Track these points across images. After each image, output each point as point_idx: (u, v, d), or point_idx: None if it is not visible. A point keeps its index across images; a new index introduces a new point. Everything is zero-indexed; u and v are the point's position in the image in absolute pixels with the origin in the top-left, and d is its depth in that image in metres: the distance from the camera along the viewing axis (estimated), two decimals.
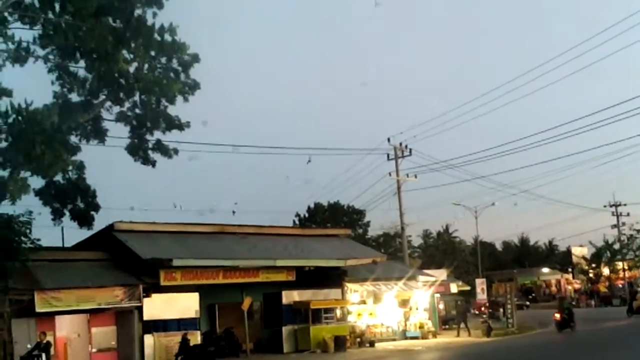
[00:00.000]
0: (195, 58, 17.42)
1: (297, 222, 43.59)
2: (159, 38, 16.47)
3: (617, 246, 53.04)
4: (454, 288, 34.21)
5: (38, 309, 14.86)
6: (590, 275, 56.33)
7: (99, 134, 16.60)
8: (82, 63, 15.51)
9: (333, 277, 23.35)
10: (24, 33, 14.42)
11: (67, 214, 16.37)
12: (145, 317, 17.35)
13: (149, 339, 17.47)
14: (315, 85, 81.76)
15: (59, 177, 15.71)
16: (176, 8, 17.41)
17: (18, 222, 14.25)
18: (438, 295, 30.75)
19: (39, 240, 14.69)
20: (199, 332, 18.81)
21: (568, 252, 60.80)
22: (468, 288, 37.56)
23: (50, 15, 14.40)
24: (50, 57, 15.15)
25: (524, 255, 64.66)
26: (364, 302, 25.53)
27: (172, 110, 17.46)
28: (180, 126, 17.75)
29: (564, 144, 27.46)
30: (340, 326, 22.82)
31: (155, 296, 17.55)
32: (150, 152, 17.31)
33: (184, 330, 17.85)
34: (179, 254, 18.27)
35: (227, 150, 24.92)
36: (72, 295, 15.40)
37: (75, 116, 15.19)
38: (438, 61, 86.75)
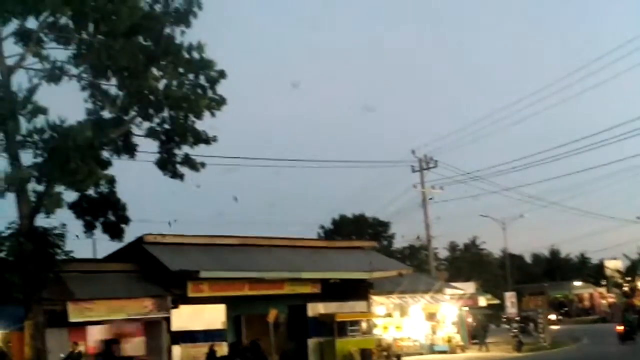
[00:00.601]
0: (222, 74, 17.74)
1: (321, 234, 43.75)
2: (187, 55, 16.90)
3: None
4: (482, 301, 33.74)
5: (71, 319, 15.30)
6: (625, 288, 54.67)
7: (130, 149, 17.04)
8: (113, 81, 16.02)
9: (359, 290, 23.33)
10: (58, 53, 15.06)
11: (99, 226, 16.85)
12: (173, 328, 17.66)
13: (176, 350, 17.77)
14: (337, 96, 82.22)
15: (91, 191, 16.20)
16: (204, 25, 17.90)
17: (52, 235, 14.75)
18: (466, 308, 30.39)
19: (71, 252, 15.17)
20: (225, 344, 19.03)
21: (601, 265, 59.14)
22: (497, 302, 36.94)
23: (84, 35, 14.97)
24: (84, 75, 15.69)
25: (554, 268, 63.16)
26: (390, 315, 25.42)
27: (199, 125, 17.82)
28: (207, 140, 18.06)
29: (595, 154, 26.97)
30: (367, 339, 22.77)
31: (183, 307, 17.87)
32: (178, 166, 17.67)
33: (211, 342, 18.11)
34: (206, 265, 18.59)
35: (250, 164, 25.21)
36: (103, 306, 15.82)
37: (107, 132, 15.64)
38: (463, 71, 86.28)
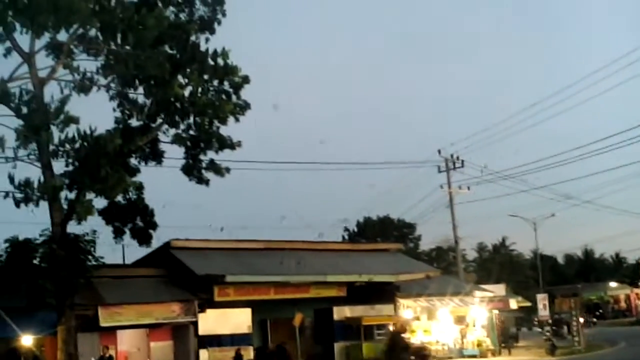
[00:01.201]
0: (246, 79, 17.95)
1: (346, 237, 43.71)
2: (212, 62, 17.16)
3: None
4: (513, 304, 33.02)
5: (101, 324, 15.75)
6: None
7: (157, 156, 17.45)
8: (140, 90, 16.43)
9: (385, 293, 23.24)
10: (88, 64, 15.52)
11: (128, 232, 17.28)
12: (200, 332, 17.98)
13: (203, 354, 18.10)
14: (361, 96, 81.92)
15: (120, 198, 16.64)
16: (226, 30, 18.15)
17: (84, 241, 15.21)
18: (497, 311, 29.93)
19: (102, 257, 15.63)
20: (251, 348, 19.26)
21: (637, 265, 57.47)
22: (529, 304, 36.26)
23: (113, 46, 15.36)
24: (112, 85, 16.14)
25: (588, 269, 61.60)
26: (417, 318, 25.17)
27: (223, 130, 18.09)
28: (232, 146, 18.31)
29: (630, 150, 26.13)
30: None
31: (209, 311, 18.18)
32: (204, 171, 17.98)
33: (237, 346, 18.35)
34: (232, 270, 18.86)
35: (274, 168, 25.45)
36: (132, 310, 16.23)
37: (135, 140, 16.03)
38: (489, 67, 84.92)
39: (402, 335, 17.19)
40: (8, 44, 14.20)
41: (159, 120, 16.91)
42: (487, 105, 71.62)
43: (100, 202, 15.92)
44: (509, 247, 51.39)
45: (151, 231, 17.27)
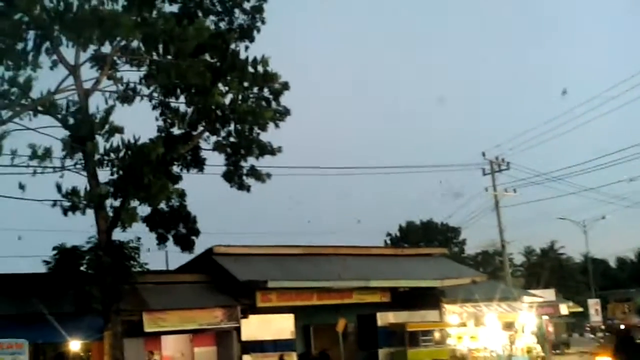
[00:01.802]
0: (285, 86, 17.55)
1: (388, 241, 42.64)
2: (252, 70, 16.83)
3: None
4: (563, 309, 31.43)
5: (146, 329, 15.57)
6: None
7: (198, 163, 17.24)
8: (182, 98, 16.26)
9: (429, 298, 22.30)
10: (131, 74, 15.46)
11: (171, 238, 17.12)
12: (243, 337, 17.58)
13: None
14: (404, 99, 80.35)
15: (163, 205, 16.49)
16: (266, 38, 17.77)
17: (128, 248, 15.08)
18: (547, 317, 28.36)
19: (146, 264, 15.48)
20: (295, 354, 18.72)
21: None
22: (580, 309, 34.29)
23: (155, 57, 15.24)
24: (154, 95, 16.05)
25: None
26: (464, 324, 24.10)
27: (264, 136, 17.71)
28: (273, 152, 17.91)
29: None
30: (440, 350, 21.67)
31: (252, 317, 17.76)
32: (244, 178, 17.65)
33: (280, 352, 17.84)
34: (274, 275, 18.40)
35: (315, 173, 24.85)
36: (176, 316, 15.98)
37: (177, 148, 15.86)
38: (536, 67, 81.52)
39: None
40: (55, 57, 14.24)
41: (200, 128, 16.69)
42: (534, 105, 68.68)
43: (144, 210, 15.79)
44: (558, 251, 48.82)
45: (193, 237, 17.03)
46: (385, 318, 21.37)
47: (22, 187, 13.58)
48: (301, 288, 18.81)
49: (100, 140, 14.37)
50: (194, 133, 16.64)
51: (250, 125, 17.41)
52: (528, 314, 25.27)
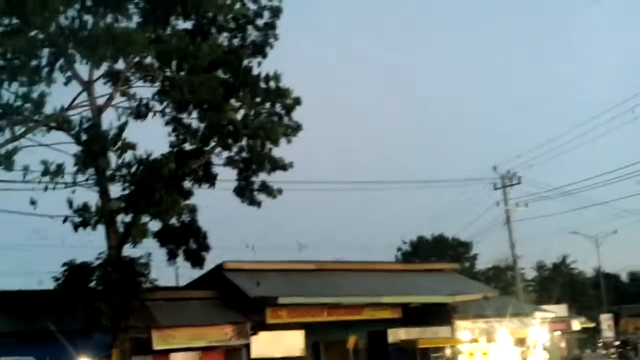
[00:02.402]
0: (298, 101, 17.19)
1: (400, 257, 41.81)
2: (264, 85, 16.49)
3: None
4: (576, 325, 30.40)
5: (155, 347, 15.08)
6: None
7: (210, 178, 16.85)
8: (194, 114, 15.93)
9: (441, 314, 21.58)
10: (144, 91, 15.15)
11: (181, 254, 16.70)
12: (253, 354, 17.00)
13: None
14: (413, 116, 79.59)
15: (173, 220, 16.09)
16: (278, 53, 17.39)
17: (139, 264, 14.65)
18: (558, 332, 27.46)
19: (156, 280, 15.02)
20: None
21: None
22: (592, 325, 33.14)
23: (168, 73, 14.95)
24: (167, 110, 15.74)
25: None
26: (475, 340, 23.34)
27: (276, 151, 17.30)
28: (284, 167, 17.50)
29: None
30: None
31: (262, 334, 17.19)
32: (256, 193, 17.23)
33: None
34: (285, 291, 17.84)
35: (326, 188, 24.27)
36: (185, 333, 15.48)
37: (188, 163, 15.49)
38: (545, 81, 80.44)
39: None
40: (68, 73, 13.97)
41: (212, 144, 16.36)
42: (544, 120, 67.48)
43: (154, 225, 15.38)
44: (570, 266, 47.57)
45: (204, 253, 16.58)
46: (396, 334, 20.68)
47: (33, 202, 13.25)
48: (312, 304, 18.22)
49: (112, 156, 14.07)
50: (206, 149, 16.30)
51: (262, 141, 17.03)
52: (540, 330, 24.52)
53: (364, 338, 20.56)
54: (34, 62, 13.08)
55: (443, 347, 21.34)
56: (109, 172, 14.10)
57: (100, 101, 14.55)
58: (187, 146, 16.24)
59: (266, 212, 17.84)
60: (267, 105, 16.97)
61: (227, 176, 17.03)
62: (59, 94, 13.78)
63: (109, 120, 14.39)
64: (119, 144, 14.06)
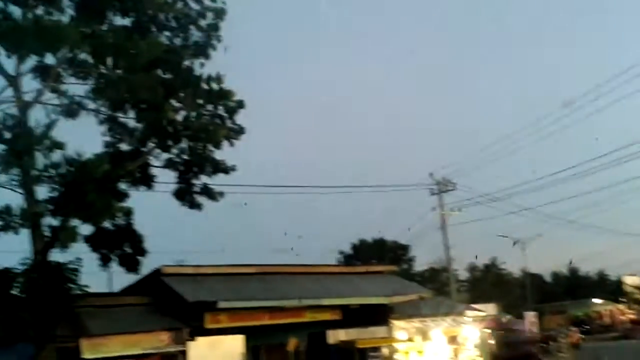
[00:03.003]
0: (241, 104, 16.73)
1: (341, 259, 41.96)
2: (206, 87, 15.90)
3: None
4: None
5: (84, 356, 14.02)
6: None
7: (147, 181, 16.03)
8: (131, 114, 15.08)
9: (379, 315, 21.67)
10: (77, 88, 14.14)
11: (115, 259, 15.73)
12: None
13: None
14: (352, 122, 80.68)
15: (107, 224, 15.13)
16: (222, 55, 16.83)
17: (67, 269, 13.62)
18: (488, 330, 28.44)
19: (86, 286, 14.01)
20: None
21: (620, 282, 55.82)
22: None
23: (103, 70, 14.05)
24: (102, 109, 14.79)
25: (574, 287, 59.72)
26: (411, 339, 23.68)
27: (218, 154, 16.73)
28: (226, 170, 16.98)
29: (612, 172, 24.92)
30: None
31: (200, 339, 16.44)
32: (196, 196, 16.57)
33: None
34: (224, 295, 17.21)
35: (266, 192, 23.83)
36: (118, 341, 14.52)
37: (124, 164, 14.66)
38: (479, 92, 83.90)
39: None
40: None
41: (151, 145, 15.53)
42: (477, 129, 70.35)
43: (86, 229, 14.37)
44: (499, 267, 49.74)
45: (140, 257, 15.69)
46: (336, 336, 20.52)
47: None
48: (252, 308, 17.69)
49: (39, 155, 12.99)
50: (144, 149, 15.47)
51: (203, 143, 16.44)
52: (471, 328, 25.23)
53: (304, 340, 20.27)
54: None
55: (380, 347, 21.45)
56: (34, 173, 13.02)
57: (29, 97, 13.44)
58: (124, 147, 15.33)
59: (208, 216, 17.21)
60: (210, 107, 16.39)
61: (166, 178, 16.25)
62: None
63: (38, 117, 13.33)
64: (47, 143, 13.04)
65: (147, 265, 16.56)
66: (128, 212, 15.39)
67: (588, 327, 53.04)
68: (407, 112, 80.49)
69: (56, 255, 13.40)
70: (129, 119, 15.16)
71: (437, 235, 31.17)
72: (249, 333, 17.72)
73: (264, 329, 18.17)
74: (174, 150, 15.99)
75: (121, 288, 18.45)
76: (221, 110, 16.56)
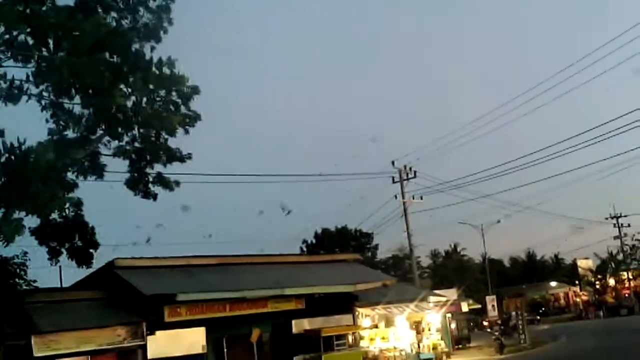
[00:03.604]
0: (195, 90, 16.28)
1: (304, 249, 41.92)
2: (157, 72, 15.37)
3: (620, 257, 51.47)
4: (465, 307, 32.54)
5: (36, 354, 13.38)
6: (597, 286, 54.07)
7: (97, 170, 15.34)
8: (77, 99, 14.39)
9: (343, 303, 21.79)
10: (16, 71, 13.36)
11: (65, 252, 15.04)
12: (150, 355, 15.78)
13: None
14: (317, 109, 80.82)
15: (55, 216, 14.44)
16: (176, 40, 16.39)
17: (13, 264, 12.91)
18: (450, 315, 29.12)
19: (34, 281, 13.35)
20: None
21: (574, 265, 58.42)
22: (479, 306, 35.66)
23: (45, 53, 13.33)
24: (45, 94, 14.03)
25: (531, 271, 62.13)
26: (375, 326, 23.91)
27: (172, 142, 16.25)
28: (182, 158, 16.52)
29: (565, 160, 26.04)
30: (353, 352, 21.21)
31: (159, 333, 16.03)
32: (150, 185, 16.04)
33: None
34: (183, 288, 16.81)
35: (227, 181, 23.42)
36: (71, 337, 13.92)
37: (71, 153, 13.94)
38: (440, 81, 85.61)
39: None
40: None
41: (99, 132, 14.88)
42: (437, 118, 71.85)
43: (33, 221, 13.66)
44: (460, 253, 51.07)
45: (92, 251, 15.06)
46: (300, 325, 20.49)
47: None
48: (213, 300, 17.36)
49: None
50: (92, 137, 14.81)
51: (156, 130, 15.91)
52: (434, 313, 25.70)
53: (268, 330, 20.12)
54: None
55: (345, 335, 21.55)
56: None
57: None
58: (70, 134, 14.63)
59: (164, 206, 16.73)
60: (162, 92, 15.89)
61: (118, 167, 15.65)
62: None
63: None
64: None
65: (102, 258, 15.95)
66: (77, 203, 14.73)
67: (544, 309, 55.36)
68: (374, 98, 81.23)
69: (1, 250, 12.68)
70: (75, 104, 14.45)
71: (400, 223, 31.58)
72: (211, 325, 17.42)
73: (226, 321, 17.90)
74: (125, 138, 15.39)
75: (72, 283, 17.70)
76: (175, 97, 16.09)
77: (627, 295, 51.48)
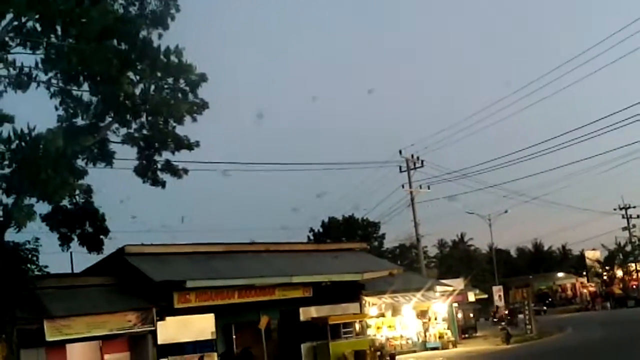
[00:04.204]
0: (203, 77, 16.32)
1: (311, 237, 42.10)
2: (164, 60, 15.42)
3: (628, 248, 51.24)
4: (471, 297, 32.55)
5: (48, 338, 13.61)
6: (605, 277, 53.96)
7: (106, 157, 15.48)
8: (86, 86, 14.49)
9: (350, 292, 21.94)
10: (25, 58, 13.46)
11: (76, 239, 15.22)
12: (160, 341, 16.01)
13: None
14: (324, 97, 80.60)
15: (66, 202, 14.59)
16: (183, 27, 16.44)
17: (24, 250, 13.09)
18: (456, 304, 29.22)
19: (46, 267, 13.54)
20: (216, 354, 17.47)
21: (581, 256, 58.29)
22: (485, 296, 35.72)
23: (53, 40, 13.42)
24: (53, 81, 14.14)
25: (538, 261, 62.05)
26: (382, 315, 24.16)
27: (180, 130, 16.34)
28: (190, 146, 16.61)
29: (572, 150, 25.92)
30: (360, 340, 21.39)
31: (169, 319, 16.23)
32: (159, 172, 16.17)
33: (200, 353, 16.52)
34: (193, 275, 17.01)
35: (239, 169, 23.56)
36: (82, 322, 14.14)
37: (80, 140, 14.06)
38: (448, 70, 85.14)
39: None
40: None
41: (108, 119, 14.99)
42: (447, 107, 71.50)
43: (44, 207, 13.82)
44: (467, 243, 51.07)
45: (102, 237, 15.24)
46: (307, 313, 20.66)
47: None
48: (222, 287, 17.55)
49: None
50: (101, 124, 14.93)
51: (165, 118, 16.00)
52: (440, 303, 25.81)
53: (276, 318, 20.31)
54: None
55: (352, 323, 21.70)
56: None
57: None
58: (80, 121, 14.74)
59: (174, 194, 16.87)
60: (170, 80, 15.96)
61: (128, 154, 15.78)
62: None
63: None
64: None
65: (113, 244, 16.10)
66: (87, 190, 14.87)
67: (551, 299, 55.34)
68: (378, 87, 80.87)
69: (13, 236, 12.86)
70: (84, 91, 14.56)
71: (407, 212, 31.64)
72: (220, 312, 17.63)
73: (235, 307, 18.10)
74: (134, 125, 15.50)
75: (84, 269, 17.93)
76: (182, 84, 16.16)
77: (634, 286, 51.37)
